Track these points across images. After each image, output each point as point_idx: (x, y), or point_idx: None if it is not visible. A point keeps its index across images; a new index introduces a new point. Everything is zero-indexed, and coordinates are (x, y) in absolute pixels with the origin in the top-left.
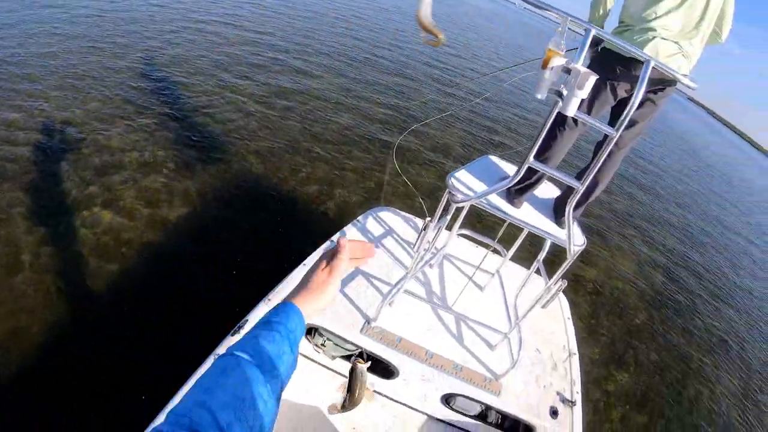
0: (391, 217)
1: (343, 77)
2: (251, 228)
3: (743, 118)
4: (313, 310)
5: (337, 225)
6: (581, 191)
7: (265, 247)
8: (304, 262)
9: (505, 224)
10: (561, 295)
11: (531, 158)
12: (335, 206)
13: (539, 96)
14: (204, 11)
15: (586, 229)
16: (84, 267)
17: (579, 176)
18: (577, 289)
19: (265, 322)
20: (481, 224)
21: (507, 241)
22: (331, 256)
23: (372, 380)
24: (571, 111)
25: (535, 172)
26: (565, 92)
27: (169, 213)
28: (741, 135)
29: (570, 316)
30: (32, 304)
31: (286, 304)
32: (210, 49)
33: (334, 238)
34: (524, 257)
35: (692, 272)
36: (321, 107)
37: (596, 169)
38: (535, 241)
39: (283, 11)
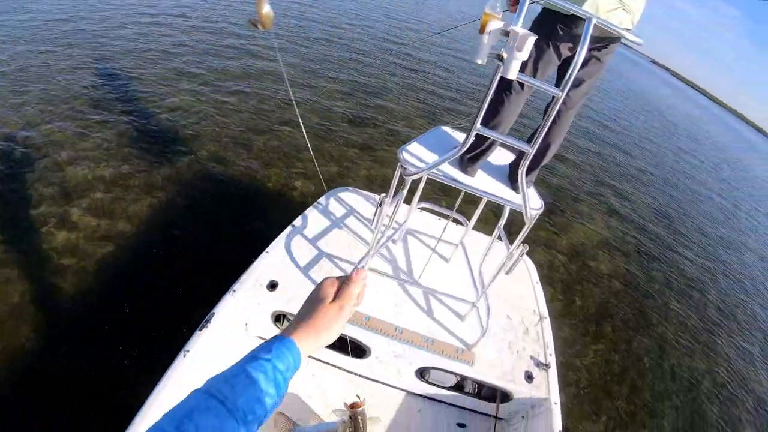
0: (351, 196)
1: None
2: (214, 221)
3: (701, 74)
4: (314, 347)
5: (299, 209)
6: (532, 155)
7: (229, 239)
8: (267, 249)
9: (462, 194)
10: (527, 259)
11: (478, 125)
12: (297, 192)
13: (479, 61)
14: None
15: (553, 193)
16: (53, 268)
17: (530, 140)
18: (549, 253)
19: (253, 358)
20: (449, 196)
21: (469, 211)
22: (340, 284)
23: (344, 361)
24: (513, 74)
25: (486, 138)
26: (505, 55)
27: (131, 211)
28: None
29: (538, 281)
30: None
31: (283, 340)
32: (157, 40)
33: (354, 267)
34: (488, 226)
35: (670, 231)
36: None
37: (545, 131)
38: (496, 209)
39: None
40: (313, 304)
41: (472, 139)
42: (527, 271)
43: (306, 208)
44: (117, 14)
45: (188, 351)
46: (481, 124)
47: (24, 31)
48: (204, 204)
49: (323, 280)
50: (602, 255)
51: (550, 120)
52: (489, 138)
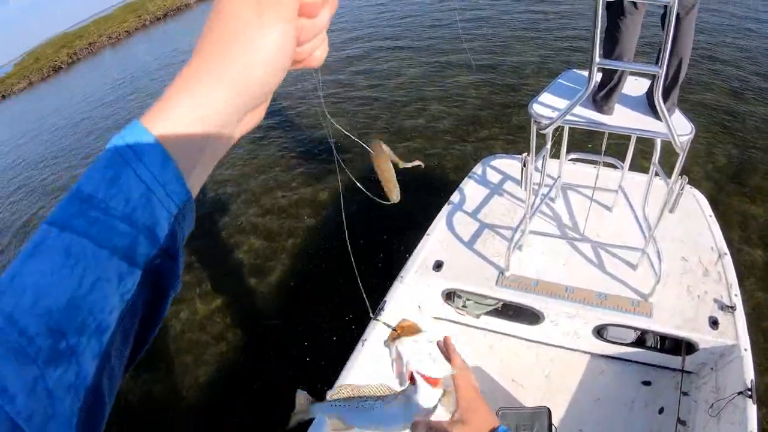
0: (502, 162)
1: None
2: (380, 213)
3: None
4: (227, 95)
5: (451, 187)
6: (662, 75)
7: (391, 228)
8: (427, 232)
9: (606, 135)
10: (696, 192)
11: (597, 58)
12: (444, 170)
13: None
14: None
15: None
16: (240, 269)
17: (657, 61)
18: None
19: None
20: (598, 141)
21: (621, 152)
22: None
23: (519, 329)
24: None
25: (614, 71)
26: None
27: (296, 220)
28: None
29: (711, 214)
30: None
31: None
32: None
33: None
34: (645, 163)
35: None
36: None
37: (669, 47)
38: (649, 143)
39: None
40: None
41: (595, 75)
42: (698, 205)
43: (458, 184)
44: None
45: (366, 339)
46: (599, 56)
47: None
48: (359, 199)
49: None
50: None
51: (671, 32)
52: (617, 70)
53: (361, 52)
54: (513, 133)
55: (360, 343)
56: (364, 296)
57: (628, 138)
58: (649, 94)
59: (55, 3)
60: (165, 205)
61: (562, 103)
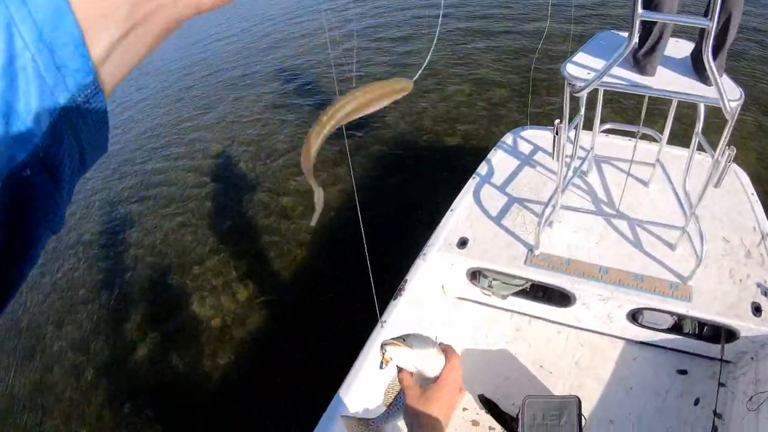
0: (531, 134)
1: None
2: (394, 189)
3: None
4: None
5: (476, 160)
6: (713, 29)
7: (412, 203)
8: (451, 207)
9: (646, 103)
10: (737, 168)
11: (639, 9)
12: (467, 139)
13: None
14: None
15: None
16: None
17: (705, 14)
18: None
19: None
20: (632, 111)
21: (659, 123)
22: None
23: (549, 311)
24: None
25: (656, 27)
26: None
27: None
28: None
29: (753, 191)
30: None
31: None
32: None
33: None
34: (685, 137)
35: None
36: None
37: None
38: (690, 113)
39: None
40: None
41: (637, 28)
42: (739, 181)
43: (484, 156)
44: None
45: (385, 321)
46: (642, 8)
47: None
48: (381, 174)
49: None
50: None
51: None
52: (659, 25)
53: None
54: (539, 106)
55: (379, 325)
56: (375, 300)
57: (666, 108)
58: (696, 53)
59: None
60: (50, 82)
61: (598, 64)
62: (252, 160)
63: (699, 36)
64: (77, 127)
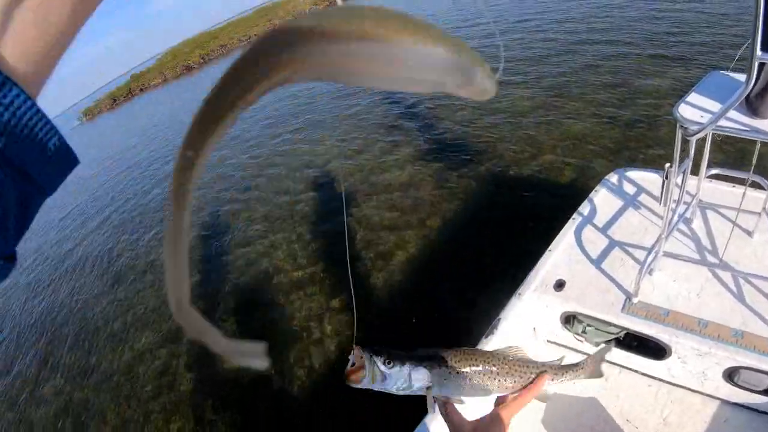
0: (633, 175)
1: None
2: (493, 224)
3: None
4: None
5: (576, 200)
6: None
7: (510, 240)
8: (549, 247)
9: (757, 149)
10: None
11: (758, 51)
12: (570, 177)
13: None
14: None
15: None
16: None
17: None
18: None
19: None
20: (739, 158)
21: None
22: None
23: (641, 363)
24: None
25: None
26: None
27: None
28: None
29: None
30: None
31: None
32: None
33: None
34: None
35: None
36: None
37: None
38: None
39: None
40: None
41: (755, 70)
42: None
43: (584, 198)
44: None
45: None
46: (761, 50)
47: None
48: (480, 207)
49: None
50: None
51: None
52: None
53: None
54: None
55: None
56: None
57: None
58: None
59: (198, 3)
60: None
61: (711, 106)
62: None
63: None
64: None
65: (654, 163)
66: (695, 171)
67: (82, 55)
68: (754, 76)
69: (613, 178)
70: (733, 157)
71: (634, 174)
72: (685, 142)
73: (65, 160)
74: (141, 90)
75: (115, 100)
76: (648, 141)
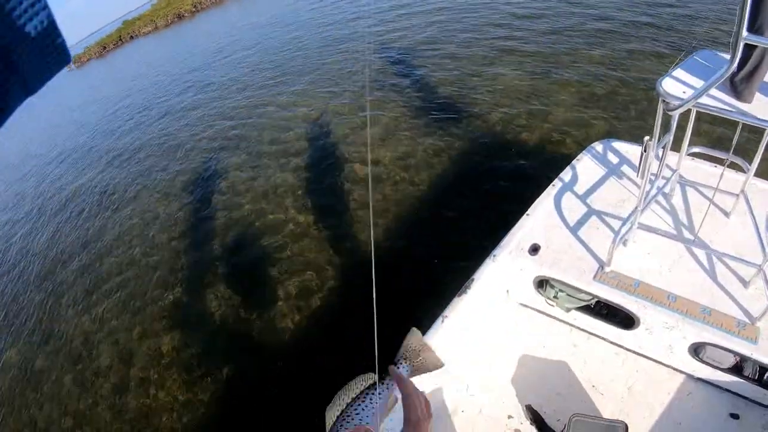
0: (616, 147)
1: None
2: (473, 184)
3: None
4: None
5: (558, 167)
6: None
7: (489, 201)
8: (527, 211)
9: (739, 130)
10: None
11: (744, 32)
12: (556, 148)
13: None
14: None
15: None
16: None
17: None
18: None
19: None
20: (722, 138)
21: (750, 152)
22: None
23: (610, 331)
24: None
25: (756, 49)
26: None
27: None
28: None
29: None
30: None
31: None
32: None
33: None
34: None
35: None
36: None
37: None
38: None
39: None
40: None
41: (740, 51)
42: None
43: (565, 165)
44: None
45: (446, 317)
46: (747, 30)
47: None
48: (462, 168)
49: None
50: None
51: None
52: (759, 50)
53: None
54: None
55: (440, 320)
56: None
57: (757, 136)
58: None
59: None
60: None
61: (695, 83)
62: None
63: None
64: None
65: (642, 138)
66: (677, 147)
67: None
68: (739, 56)
69: (598, 146)
70: (716, 140)
71: (619, 145)
72: (668, 117)
73: (52, 47)
74: (131, 37)
75: (104, 47)
76: (644, 114)
